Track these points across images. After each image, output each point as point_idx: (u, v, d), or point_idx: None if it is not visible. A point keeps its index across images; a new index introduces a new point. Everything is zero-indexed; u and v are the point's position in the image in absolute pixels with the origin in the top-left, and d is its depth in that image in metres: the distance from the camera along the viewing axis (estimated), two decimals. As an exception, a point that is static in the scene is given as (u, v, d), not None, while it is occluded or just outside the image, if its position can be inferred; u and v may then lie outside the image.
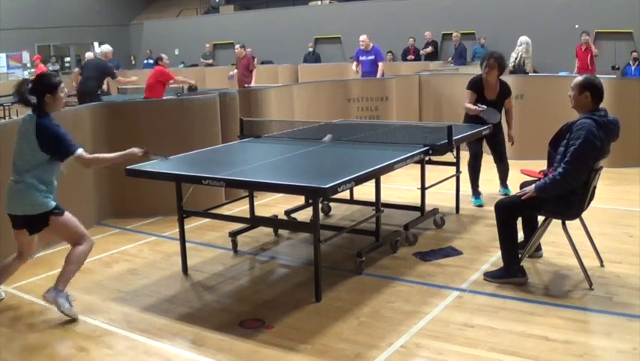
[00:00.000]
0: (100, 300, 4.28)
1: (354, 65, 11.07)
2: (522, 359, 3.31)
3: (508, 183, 6.76)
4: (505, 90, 6.44)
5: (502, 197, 6.53)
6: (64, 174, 4.12)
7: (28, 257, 4.20)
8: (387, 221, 5.44)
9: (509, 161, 8.33)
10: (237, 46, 13.01)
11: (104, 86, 10.26)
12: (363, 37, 10.82)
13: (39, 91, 3.92)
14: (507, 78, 6.80)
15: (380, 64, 10.76)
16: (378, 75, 10.59)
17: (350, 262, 4.70)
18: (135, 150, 4.20)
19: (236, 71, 12.83)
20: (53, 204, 3.95)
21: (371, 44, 10.80)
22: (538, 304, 3.96)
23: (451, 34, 16.26)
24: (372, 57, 10.78)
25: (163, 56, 10.50)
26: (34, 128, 3.86)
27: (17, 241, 4.10)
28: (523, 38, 9.94)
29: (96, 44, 19.09)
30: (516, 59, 9.89)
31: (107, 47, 10.41)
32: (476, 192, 6.50)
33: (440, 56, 17.07)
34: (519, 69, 9.90)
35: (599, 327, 3.70)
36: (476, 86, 6.37)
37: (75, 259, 4.02)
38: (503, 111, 6.55)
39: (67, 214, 4.02)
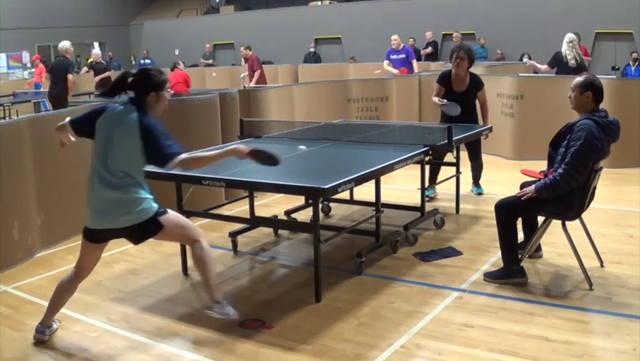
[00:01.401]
0: (100, 300, 4.28)
1: (385, 64, 11.54)
2: (522, 359, 3.31)
3: (481, 182, 6.80)
4: (475, 82, 6.44)
5: (476, 195, 6.62)
6: None
7: (87, 275, 3.75)
8: (387, 221, 5.44)
9: (509, 161, 8.39)
10: (242, 48, 13.06)
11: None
12: (395, 37, 11.43)
13: (144, 87, 3.43)
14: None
15: (414, 61, 11.45)
16: (416, 71, 11.23)
17: (350, 263, 4.70)
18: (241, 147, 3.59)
19: (247, 72, 12.87)
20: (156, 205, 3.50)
21: (402, 44, 11.41)
22: (538, 304, 3.97)
23: (452, 34, 16.27)
24: (402, 56, 11.37)
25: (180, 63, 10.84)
26: (137, 127, 3.35)
27: (85, 259, 3.67)
28: (572, 35, 9.61)
29: (96, 44, 19.08)
30: (575, 57, 9.34)
31: (65, 44, 9.90)
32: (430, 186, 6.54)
33: (440, 57, 17.08)
34: (582, 66, 9.29)
35: (598, 327, 3.70)
36: (444, 79, 6.45)
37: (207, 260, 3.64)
38: (478, 105, 6.58)
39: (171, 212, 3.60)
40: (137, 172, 3.45)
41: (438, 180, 6.33)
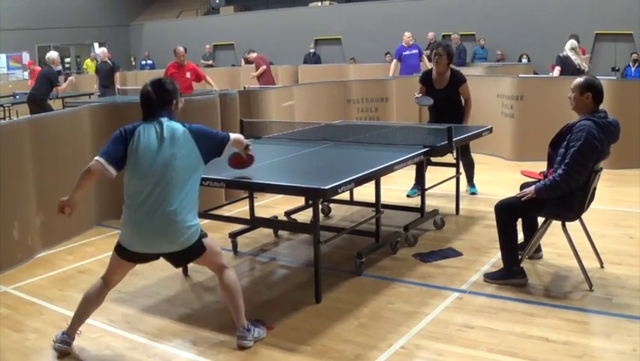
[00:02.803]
0: (100, 301, 4.28)
1: (394, 63, 12.08)
2: (522, 360, 3.31)
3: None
4: (455, 78, 6.48)
5: (471, 195, 6.63)
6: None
7: (114, 286, 3.66)
8: (387, 222, 5.44)
9: (509, 162, 8.38)
10: (245, 54, 13.29)
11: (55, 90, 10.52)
12: (408, 34, 12.05)
13: (168, 98, 3.47)
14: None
15: (425, 58, 12.06)
16: (429, 65, 11.87)
17: (350, 263, 4.70)
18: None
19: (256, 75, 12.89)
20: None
21: (411, 41, 12.16)
22: (538, 305, 3.97)
23: (451, 35, 16.29)
24: (415, 51, 12.01)
25: (177, 49, 10.26)
26: (188, 136, 3.37)
27: (115, 273, 3.58)
28: (574, 43, 9.58)
29: (96, 45, 19.11)
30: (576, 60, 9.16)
31: (53, 54, 10.52)
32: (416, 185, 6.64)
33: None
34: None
35: (598, 328, 3.70)
36: (426, 78, 6.57)
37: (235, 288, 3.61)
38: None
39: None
40: (192, 194, 3.40)
41: (437, 182, 6.32)
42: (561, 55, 9.25)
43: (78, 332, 3.61)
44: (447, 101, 6.40)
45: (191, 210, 3.39)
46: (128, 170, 3.38)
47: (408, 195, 6.61)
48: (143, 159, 3.33)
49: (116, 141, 3.39)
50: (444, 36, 17.69)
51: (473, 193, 6.73)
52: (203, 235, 3.49)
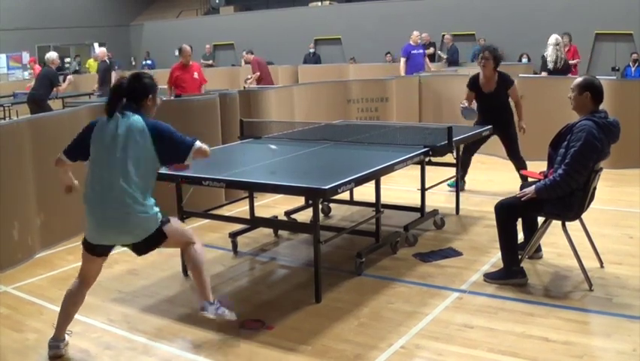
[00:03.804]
0: (100, 300, 4.28)
1: (402, 62, 12.10)
2: (522, 360, 3.31)
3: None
4: (503, 81, 6.47)
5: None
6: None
7: (92, 282, 3.64)
8: (387, 222, 5.44)
9: (509, 162, 8.33)
10: (244, 53, 13.23)
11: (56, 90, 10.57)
12: (416, 33, 12.24)
13: (142, 92, 3.44)
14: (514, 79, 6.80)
15: (427, 58, 12.50)
16: (431, 65, 12.62)
17: (350, 263, 4.70)
18: None
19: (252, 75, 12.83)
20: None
21: (419, 40, 12.33)
22: (538, 305, 3.97)
23: (444, 35, 16.29)
24: (421, 50, 12.24)
25: (184, 48, 9.79)
26: (146, 134, 3.33)
27: (89, 269, 3.57)
28: (558, 37, 9.55)
29: (96, 45, 19.10)
30: (557, 59, 9.17)
31: (52, 55, 10.59)
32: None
33: (438, 57, 17.09)
34: (564, 68, 9.31)
35: (598, 328, 3.71)
36: (473, 83, 6.52)
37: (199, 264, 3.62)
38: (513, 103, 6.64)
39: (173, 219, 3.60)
40: (146, 183, 3.38)
41: (437, 182, 6.32)
42: (544, 54, 9.29)
43: (68, 332, 3.61)
44: (498, 104, 6.42)
45: (145, 203, 3.35)
46: (90, 161, 3.45)
47: (449, 185, 6.57)
48: (99, 150, 3.39)
49: (80, 133, 3.53)
50: (444, 36, 17.70)
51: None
52: (165, 221, 3.45)
